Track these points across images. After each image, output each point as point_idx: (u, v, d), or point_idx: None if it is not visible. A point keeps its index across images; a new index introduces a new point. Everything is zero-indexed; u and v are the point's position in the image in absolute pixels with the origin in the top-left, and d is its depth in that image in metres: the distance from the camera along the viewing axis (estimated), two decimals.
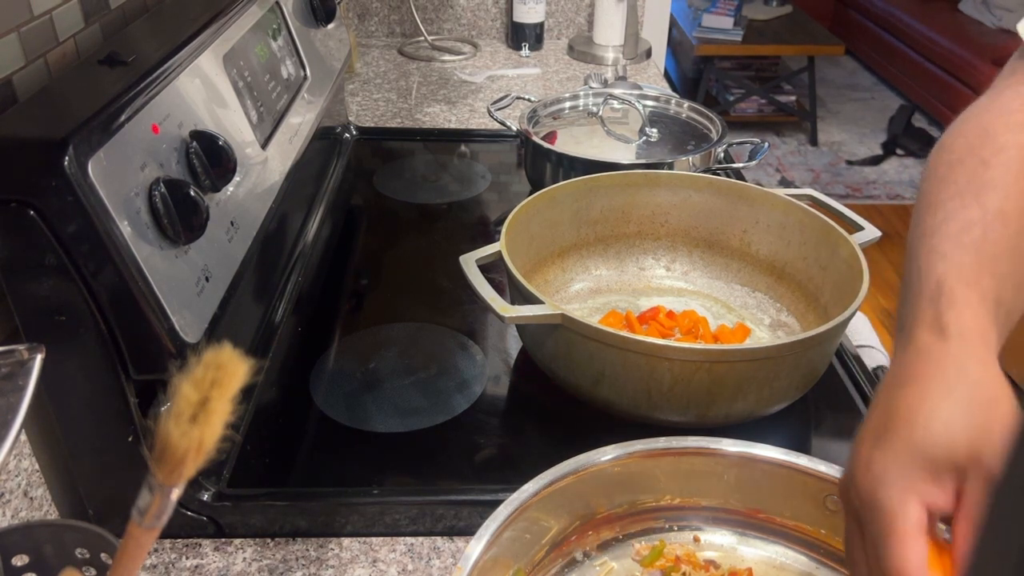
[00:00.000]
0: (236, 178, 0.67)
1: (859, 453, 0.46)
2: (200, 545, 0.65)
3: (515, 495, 0.54)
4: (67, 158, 0.50)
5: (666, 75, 1.89)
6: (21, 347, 0.44)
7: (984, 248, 0.49)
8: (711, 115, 1.13)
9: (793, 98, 4.02)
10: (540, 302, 0.71)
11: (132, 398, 0.59)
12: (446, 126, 1.39)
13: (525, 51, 1.73)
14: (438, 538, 0.66)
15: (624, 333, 0.68)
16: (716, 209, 0.92)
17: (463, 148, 1.31)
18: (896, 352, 0.50)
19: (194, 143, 0.63)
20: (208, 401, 0.37)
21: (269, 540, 0.65)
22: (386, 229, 1.10)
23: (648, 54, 1.74)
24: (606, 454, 0.58)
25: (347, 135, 1.29)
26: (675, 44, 4.17)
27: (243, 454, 0.69)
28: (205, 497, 0.64)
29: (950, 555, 0.43)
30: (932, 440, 0.42)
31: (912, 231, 0.54)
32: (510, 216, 0.82)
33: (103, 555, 0.50)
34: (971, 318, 0.46)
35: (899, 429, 0.44)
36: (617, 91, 1.17)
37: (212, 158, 0.64)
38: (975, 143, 0.55)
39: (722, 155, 1.10)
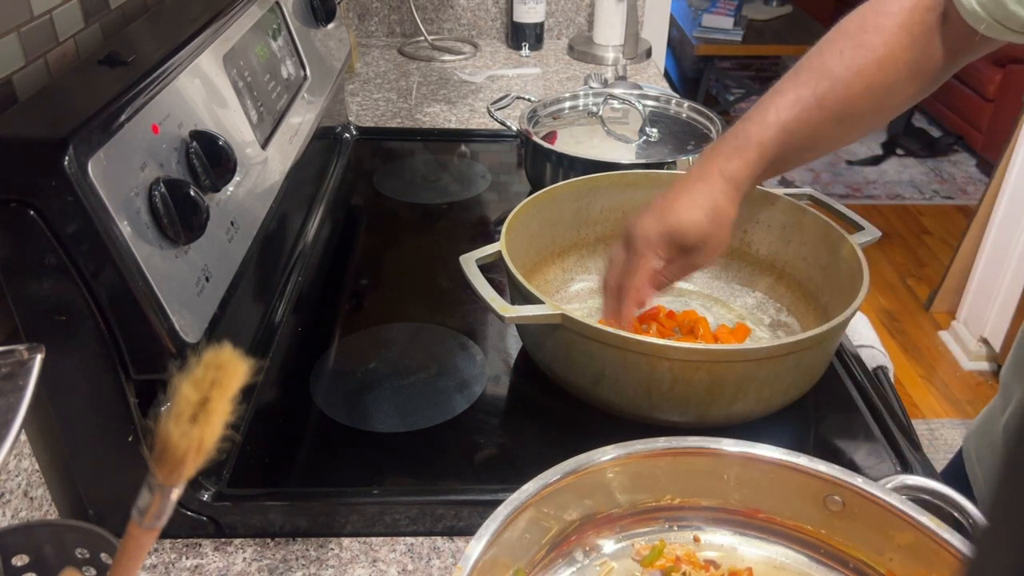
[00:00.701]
0: (236, 178, 0.67)
1: (643, 210, 0.74)
2: (200, 545, 0.65)
3: (515, 495, 0.54)
4: (67, 158, 0.50)
5: (666, 75, 1.89)
6: (21, 347, 0.44)
7: (791, 123, 0.70)
8: (711, 115, 1.13)
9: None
10: (540, 302, 0.71)
11: (132, 398, 0.59)
12: (446, 126, 1.39)
13: (525, 51, 1.73)
14: (438, 538, 0.66)
15: (624, 333, 0.68)
16: None
17: (463, 148, 1.31)
18: (698, 156, 0.76)
19: (194, 143, 0.63)
20: (208, 401, 0.38)
21: (269, 540, 0.65)
22: (386, 229, 1.10)
23: (648, 54, 1.74)
24: (606, 454, 0.58)
25: (347, 135, 1.29)
26: (675, 44, 4.17)
27: (243, 454, 0.69)
28: (205, 497, 0.64)
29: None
30: (680, 230, 0.71)
31: (779, 81, 0.73)
32: (510, 216, 0.82)
33: (103, 555, 0.50)
34: (742, 170, 0.71)
35: (666, 209, 0.72)
36: (617, 91, 1.17)
37: (212, 158, 0.64)
38: (846, 32, 0.71)
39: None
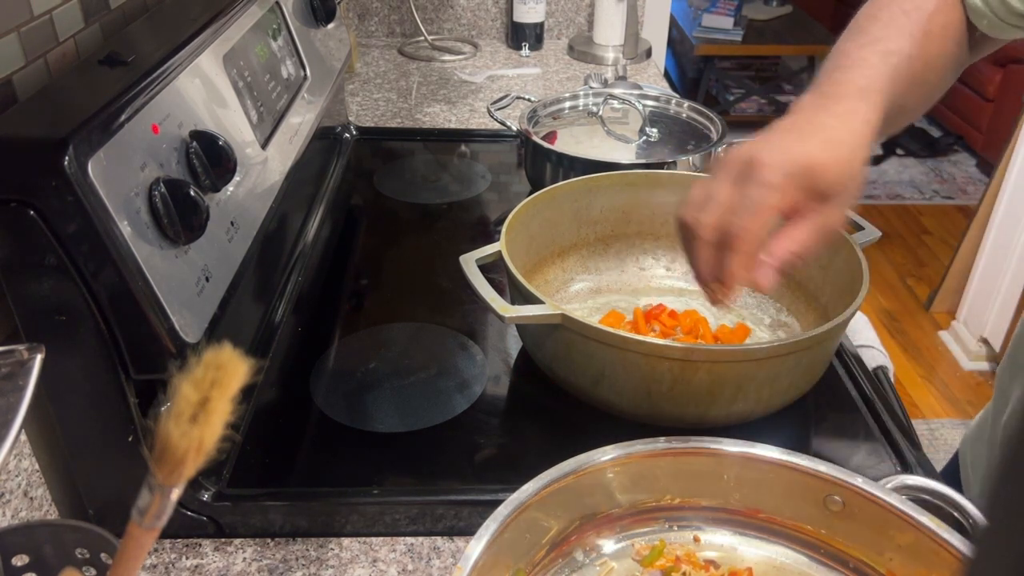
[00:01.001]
0: (236, 178, 0.67)
1: (758, 141, 0.56)
2: (200, 545, 0.65)
3: (515, 495, 0.54)
4: (67, 158, 0.50)
5: (666, 75, 1.89)
6: (21, 347, 0.44)
7: (894, 74, 0.60)
8: (711, 115, 1.13)
9: (793, 98, 4.00)
10: (540, 302, 0.71)
11: (132, 398, 0.59)
12: (446, 126, 1.39)
13: (525, 51, 1.73)
14: (438, 538, 0.66)
15: (624, 333, 0.68)
16: None
17: (463, 148, 1.31)
18: (796, 109, 0.60)
19: (194, 143, 0.63)
20: (208, 401, 0.38)
21: (269, 540, 0.65)
22: (386, 229, 1.10)
23: (648, 54, 1.74)
24: (606, 454, 0.58)
25: (347, 135, 1.29)
26: (675, 44, 4.17)
27: (243, 454, 0.69)
28: (205, 497, 0.64)
29: None
30: (821, 171, 0.53)
31: (841, 43, 0.65)
32: (510, 216, 0.82)
33: (103, 555, 0.50)
34: (874, 114, 0.57)
35: (802, 140, 0.55)
36: (617, 91, 1.17)
37: (212, 158, 0.64)
38: (889, 8, 0.65)
39: (722, 155, 1.10)
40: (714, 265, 0.55)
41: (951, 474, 0.90)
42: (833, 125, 0.56)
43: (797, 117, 0.58)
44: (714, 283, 0.57)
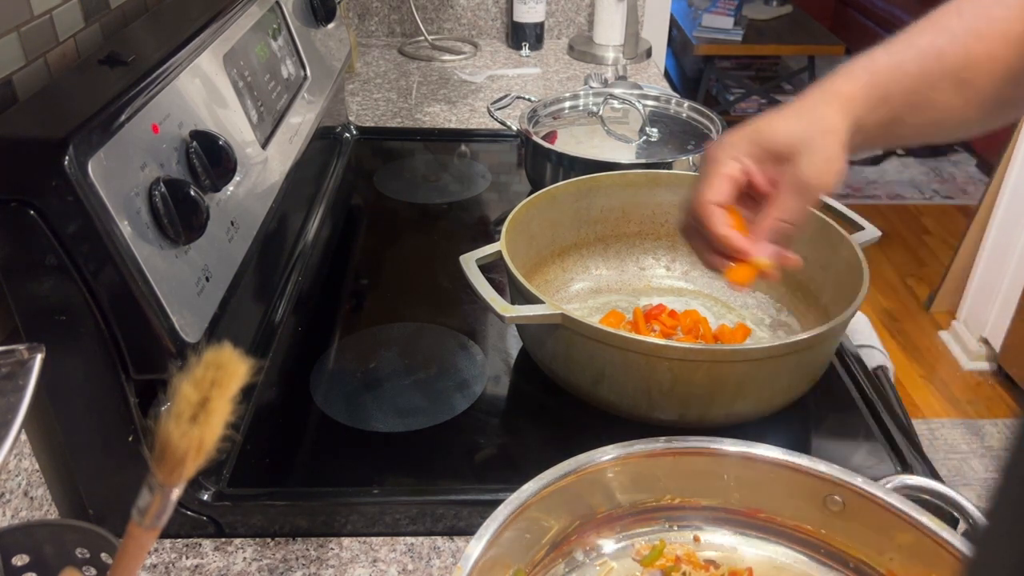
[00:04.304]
0: (236, 178, 0.67)
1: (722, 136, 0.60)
2: (200, 545, 0.65)
3: (515, 495, 0.54)
4: (67, 158, 0.50)
5: (666, 75, 1.89)
6: (21, 347, 0.44)
7: (905, 64, 0.61)
8: (711, 115, 1.13)
9: (793, 98, 4.02)
10: (540, 302, 0.71)
11: (132, 398, 0.59)
12: (446, 126, 1.39)
13: (525, 51, 1.73)
14: (438, 538, 0.66)
15: (624, 333, 0.68)
16: None
17: (463, 148, 1.31)
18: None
19: (194, 143, 0.63)
20: (208, 401, 0.38)
21: (269, 540, 0.65)
22: (386, 229, 1.10)
23: (648, 54, 1.74)
24: (606, 454, 0.58)
25: (347, 135, 1.29)
26: (675, 44, 4.17)
27: (243, 454, 0.69)
28: (205, 497, 0.64)
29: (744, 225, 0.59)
30: (768, 131, 0.58)
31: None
32: (510, 216, 0.82)
33: (103, 555, 0.50)
34: (847, 85, 0.60)
35: (752, 123, 0.60)
36: (617, 91, 1.17)
37: (212, 158, 0.64)
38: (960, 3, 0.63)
39: None
40: (704, 249, 0.61)
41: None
42: (796, 104, 0.60)
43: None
44: (723, 265, 0.60)
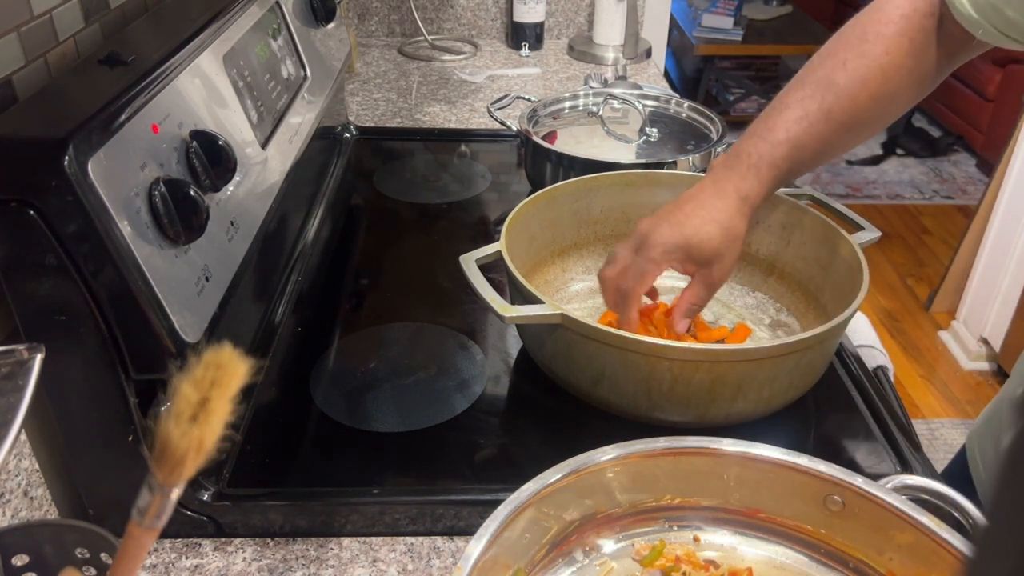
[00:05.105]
0: (236, 178, 0.67)
1: (656, 217, 0.74)
2: (200, 545, 0.65)
3: (515, 495, 0.54)
4: (67, 158, 0.50)
5: (666, 75, 1.89)
6: (21, 347, 0.44)
7: (801, 138, 0.72)
8: (711, 115, 1.13)
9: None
10: (540, 302, 0.71)
11: (132, 398, 0.59)
12: (446, 126, 1.39)
13: (525, 51, 1.73)
14: (438, 538, 0.66)
15: (624, 333, 0.68)
16: None
17: (463, 148, 1.31)
18: (709, 170, 0.76)
19: (194, 143, 0.63)
20: (208, 401, 0.37)
21: (269, 540, 0.65)
22: (386, 229, 1.10)
23: (648, 54, 1.74)
24: (606, 454, 0.58)
25: (347, 135, 1.29)
26: (675, 44, 4.17)
27: (243, 454, 0.69)
28: (205, 497, 0.64)
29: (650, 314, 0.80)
30: (697, 246, 0.72)
31: (781, 93, 0.76)
32: (510, 216, 0.82)
33: (103, 555, 0.50)
34: (756, 188, 0.73)
35: (683, 222, 0.73)
36: (617, 91, 1.17)
37: (212, 158, 0.64)
38: (847, 41, 0.73)
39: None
40: (619, 308, 0.75)
41: (952, 474, 0.90)
42: (716, 207, 0.72)
43: (689, 200, 0.74)
44: (618, 317, 0.75)
